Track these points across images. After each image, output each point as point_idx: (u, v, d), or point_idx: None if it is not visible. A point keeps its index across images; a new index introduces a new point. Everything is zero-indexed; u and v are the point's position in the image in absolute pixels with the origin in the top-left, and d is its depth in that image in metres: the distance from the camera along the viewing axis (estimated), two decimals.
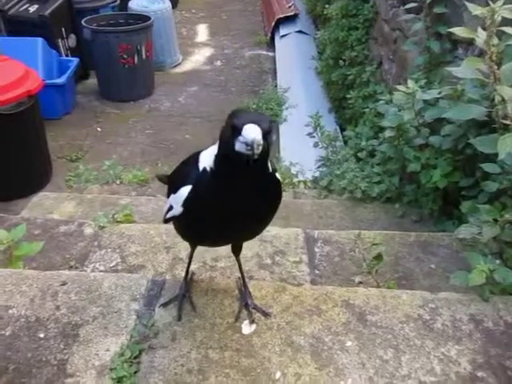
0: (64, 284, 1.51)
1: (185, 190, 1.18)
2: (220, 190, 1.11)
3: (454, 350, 1.32)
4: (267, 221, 1.24)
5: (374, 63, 4.15)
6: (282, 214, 2.52)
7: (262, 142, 1.01)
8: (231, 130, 1.04)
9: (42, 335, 1.35)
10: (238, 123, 1.03)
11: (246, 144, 1.01)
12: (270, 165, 1.17)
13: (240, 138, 1.02)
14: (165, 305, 1.44)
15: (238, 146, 1.03)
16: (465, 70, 1.67)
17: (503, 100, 1.51)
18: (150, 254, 1.99)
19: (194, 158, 1.23)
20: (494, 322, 1.40)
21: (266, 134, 1.03)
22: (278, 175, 1.24)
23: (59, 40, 4.99)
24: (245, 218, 1.15)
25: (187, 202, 1.18)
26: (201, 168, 1.17)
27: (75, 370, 1.26)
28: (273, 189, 1.20)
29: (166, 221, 1.31)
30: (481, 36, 1.59)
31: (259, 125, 1.02)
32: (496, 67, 1.54)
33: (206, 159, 1.17)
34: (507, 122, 1.56)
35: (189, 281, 1.50)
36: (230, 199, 1.11)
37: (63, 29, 5.03)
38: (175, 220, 1.29)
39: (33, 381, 1.24)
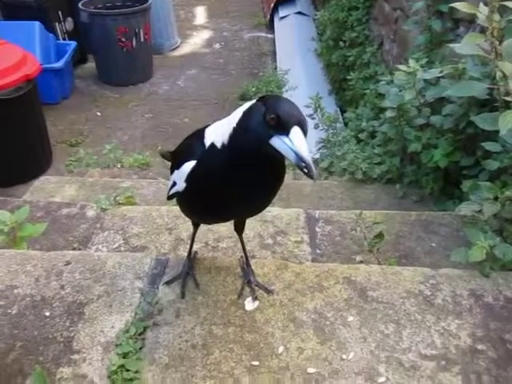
0: (68, 264, 1.53)
1: (188, 166, 1.17)
2: (228, 166, 1.08)
3: (454, 324, 1.34)
4: (271, 198, 1.23)
5: (375, 44, 4.11)
6: (283, 195, 2.53)
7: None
8: (273, 120, 0.98)
9: (47, 314, 1.37)
10: (285, 117, 0.97)
11: (296, 154, 0.96)
12: None
13: (284, 138, 0.98)
14: (168, 283, 1.45)
15: (278, 143, 0.99)
16: (466, 45, 1.66)
17: (504, 76, 1.50)
18: (153, 236, 2.01)
19: (198, 134, 1.22)
20: (494, 297, 1.42)
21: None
22: None
23: (56, 24, 4.93)
24: (250, 194, 1.14)
25: (190, 177, 1.17)
26: (207, 143, 1.15)
27: (81, 347, 1.28)
28: (279, 166, 1.18)
29: (170, 197, 1.30)
30: (482, 11, 1.57)
31: (303, 127, 0.98)
32: (497, 43, 1.53)
33: (213, 135, 1.15)
34: (508, 99, 1.56)
35: (192, 259, 1.51)
36: (237, 176, 1.09)
37: (60, 12, 4.97)
38: (178, 196, 1.28)
39: (40, 357, 1.26)
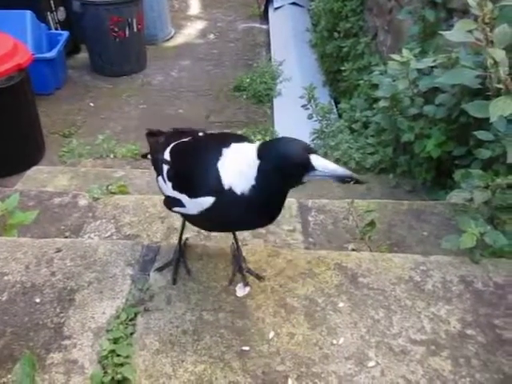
0: (59, 251, 1.52)
1: (206, 202, 1.15)
2: (248, 210, 1.13)
3: (444, 309, 1.35)
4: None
5: (369, 34, 4.10)
6: None
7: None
8: (301, 168, 1.05)
9: (38, 300, 1.37)
10: (303, 159, 1.04)
11: (335, 176, 1.06)
12: None
13: (314, 173, 1.05)
14: (160, 269, 1.45)
15: (316, 178, 1.07)
16: (457, 32, 1.66)
17: (495, 63, 1.50)
18: (145, 224, 2.00)
19: (210, 159, 1.18)
20: (484, 283, 1.43)
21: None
22: None
23: (48, 13, 4.88)
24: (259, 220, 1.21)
25: (207, 213, 1.17)
26: (225, 184, 1.13)
27: (72, 333, 1.28)
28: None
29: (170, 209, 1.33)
30: None
31: (315, 152, 1.06)
32: (488, 30, 1.53)
33: (230, 177, 1.13)
34: (500, 86, 1.56)
35: (183, 246, 1.51)
36: (253, 213, 1.15)
37: (52, 1, 4.92)
38: (184, 214, 1.31)
39: (30, 343, 1.26)
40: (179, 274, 1.43)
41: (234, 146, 1.18)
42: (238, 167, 1.13)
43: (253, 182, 1.09)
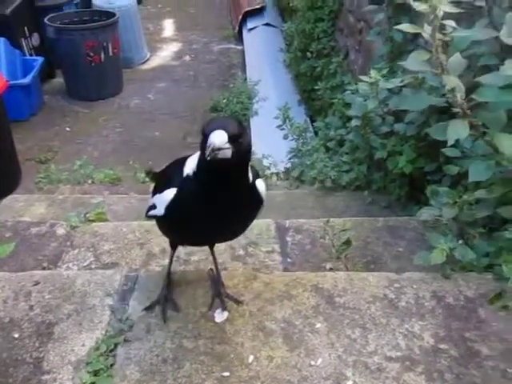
0: (37, 284, 1.52)
1: (169, 194, 1.21)
2: (201, 196, 1.14)
3: (418, 325, 1.39)
4: (246, 227, 1.32)
5: (341, 54, 4.21)
6: None
7: (226, 145, 1.05)
8: (203, 140, 1.08)
9: (16, 335, 1.36)
10: (207, 131, 1.07)
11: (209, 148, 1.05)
12: (250, 175, 1.20)
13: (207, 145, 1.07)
14: (148, 308, 1.44)
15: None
16: (413, 62, 1.76)
17: (452, 89, 1.58)
18: (124, 251, 2.00)
19: (181, 161, 1.26)
20: (455, 298, 1.48)
21: (236, 137, 1.07)
22: (261, 183, 1.27)
23: (22, 39, 4.88)
24: (224, 224, 1.22)
25: (169, 206, 1.21)
26: (185, 173, 1.21)
27: (52, 367, 1.28)
28: (253, 199, 1.24)
29: (148, 217, 1.36)
30: (427, 30, 1.67)
31: (225, 129, 1.06)
32: (443, 57, 1.62)
33: (190, 165, 1.20)
34: (457, 110, 1.64)
35: (170, 282, 1.51)
36: (210, 207, 1.15)
37: (26, 28, 4.93)
38: (157, 219, 1.34)
39: (10, 380, 1.25)
40: (168, 312, 1.43)
41: None
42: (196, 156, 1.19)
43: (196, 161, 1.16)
